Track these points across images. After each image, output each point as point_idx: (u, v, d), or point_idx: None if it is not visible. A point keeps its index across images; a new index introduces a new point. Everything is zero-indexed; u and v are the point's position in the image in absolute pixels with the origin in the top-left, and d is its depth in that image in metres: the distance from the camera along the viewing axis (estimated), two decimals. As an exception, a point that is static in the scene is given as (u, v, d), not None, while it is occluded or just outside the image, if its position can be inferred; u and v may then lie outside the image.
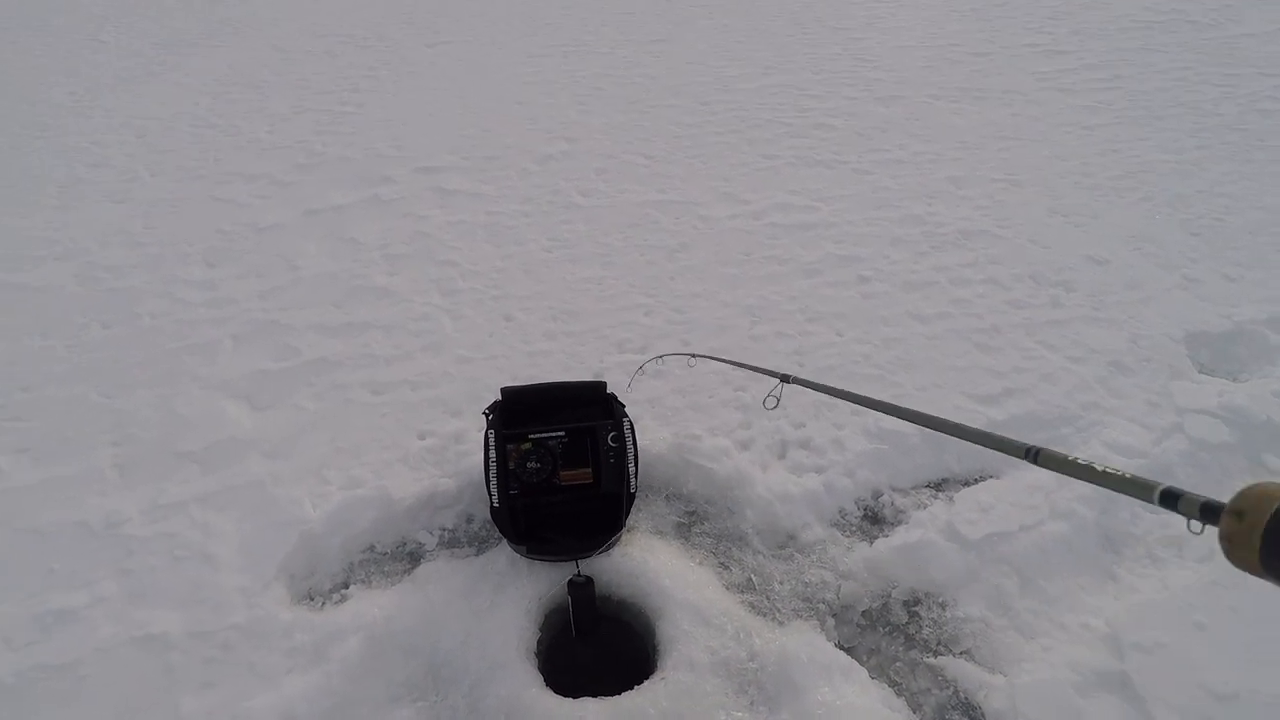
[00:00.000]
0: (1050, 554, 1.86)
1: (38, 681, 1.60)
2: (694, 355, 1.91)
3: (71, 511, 2.02)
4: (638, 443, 1.87)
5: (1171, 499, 0.46)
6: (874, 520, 2.01)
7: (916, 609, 1.78)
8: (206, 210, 3.53)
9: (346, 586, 1.86)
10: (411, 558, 1.93)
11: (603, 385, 1.88)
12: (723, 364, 2.50)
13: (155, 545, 1.92)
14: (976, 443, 0.75)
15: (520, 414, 1.85)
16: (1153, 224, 3.22)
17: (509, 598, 1.73)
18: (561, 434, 1.80)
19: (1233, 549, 0.34)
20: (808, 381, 1.25)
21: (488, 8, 6.05)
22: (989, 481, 2.10)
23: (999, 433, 2.08)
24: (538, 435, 1.79)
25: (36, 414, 2.37)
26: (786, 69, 4.86)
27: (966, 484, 2.10)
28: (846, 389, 1.00)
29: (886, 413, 0.94)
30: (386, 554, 1.94)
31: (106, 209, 3.53)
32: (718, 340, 2.60)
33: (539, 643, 1.69)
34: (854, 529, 1.98)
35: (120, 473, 2.15)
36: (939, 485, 2.11)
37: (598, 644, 1.72)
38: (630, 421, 1.85)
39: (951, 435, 0.81)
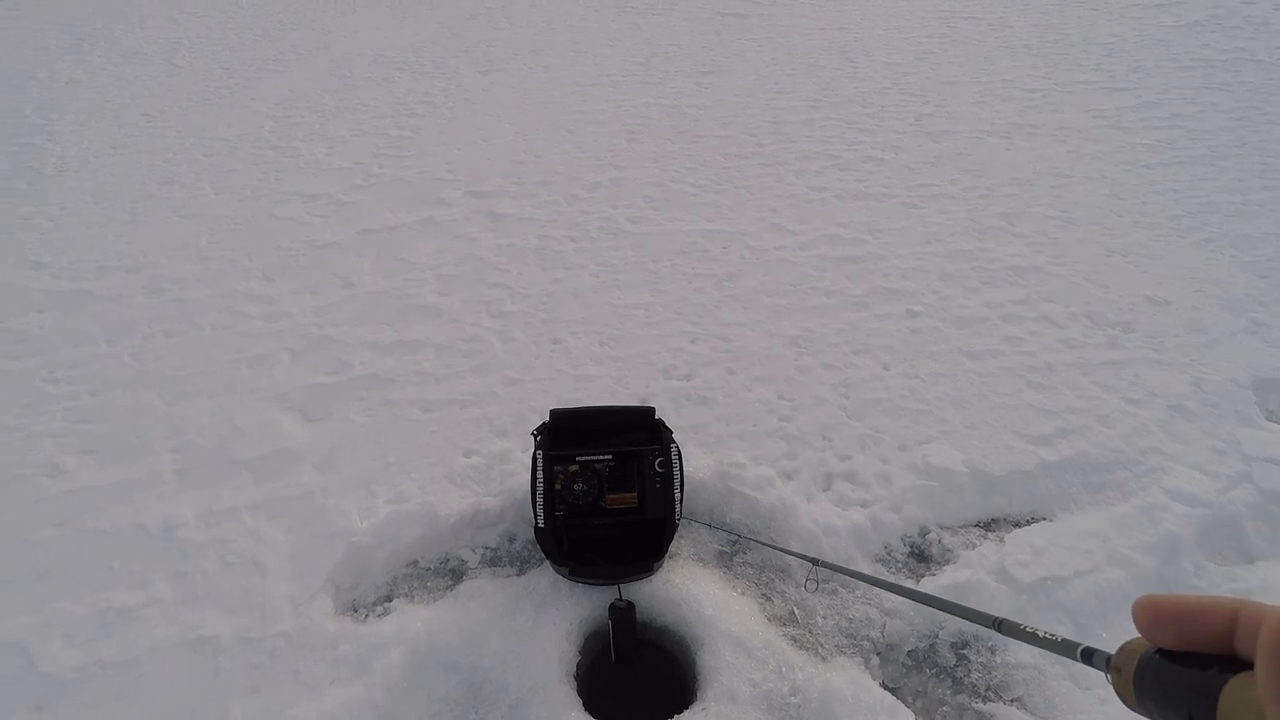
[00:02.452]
0: (1107, 602, 1.80)
1: (96, 677, 1.65)
2: (739, 536, 1.96)
3: (132, 513, 2.09)
4: (684, 469, 1.87)
5: (1089, 655, 0.55)
6: (921, 558, 1.97)
7: (965, 651, 1.73)
8: (267, 227, 3.66)
9: (390, 600, 1.88)
10: (454, 574, 1.94)
11: (651, 410, 1.89)
12: (769, 395, 2.50)
13: (209, 550, 1.97)
14: (951, 613, 0.89)
15: (568, 436, 1.86)
16: (1217, 265, 3.13)
17: (550, 619, 1.73)
18: (609, 457, 1.80)
19: (1122, 699, 0.41)
20: (836, 566, 1.40)
21: (540, 40, 6.22)
22: (1041, 524, 2.04)
23: (1051, 476, 2.03)
24: (585, 458, 1.80)
25: (103, 418, 2.46)
26: (835, 102, 4.88)
27: (1018, 525, 2.05)
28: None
29: (900, 594, 1.10)
30: (429, 570, 1.96)
31: (175, 224, 3.68)
32: (763, 369, 2.60)
33: (579, 666, 1.68)
34: (900, 566, 1.94)
35: (178, 478, 2.22)
36: (988, 525, 2.06)
37: (638, 670, 1.71)
38: (678, 447, 1.85)
39: (928, 604, 0.96)
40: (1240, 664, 0.33)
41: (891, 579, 1.89)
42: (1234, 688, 0.32)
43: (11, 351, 2.78)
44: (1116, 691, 0.41)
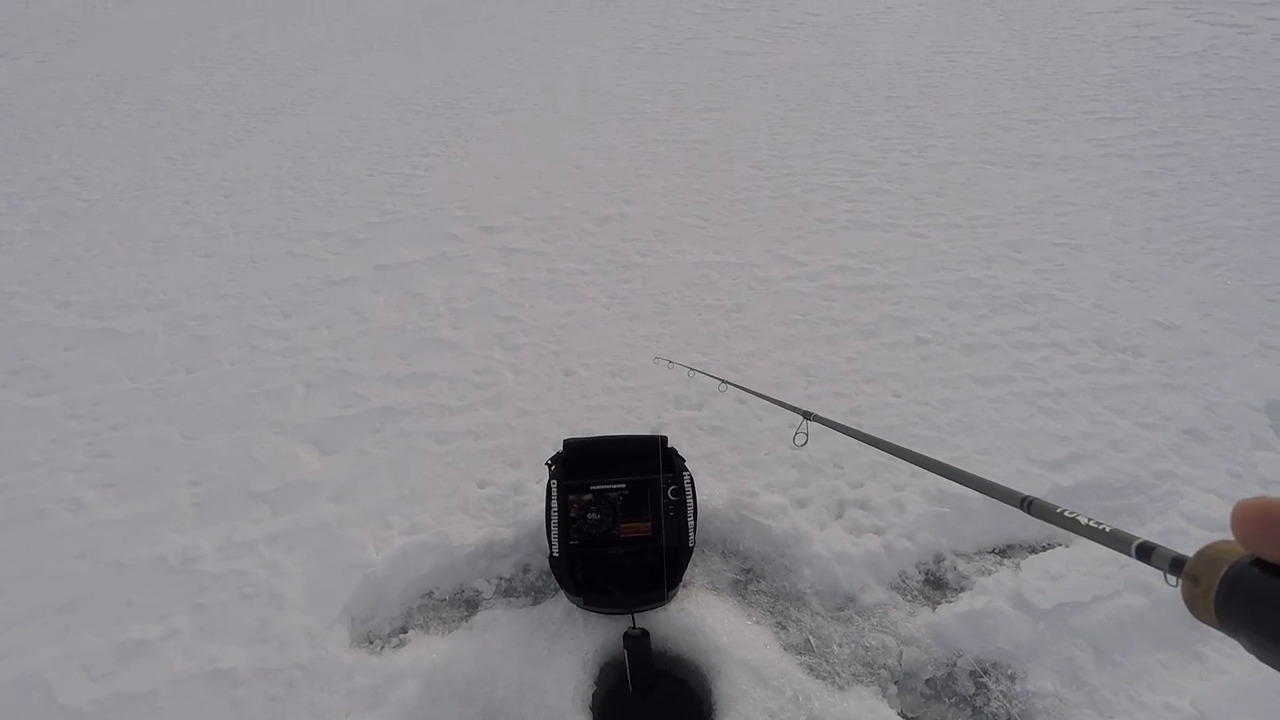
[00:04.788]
0: (1128, 628, 1.78)
1: (114, 710, 1.66)
2: (724, 382, 2.06)
3: (151, 546, 2.11)
4: (696, 497, 1.88)
5: (1146, 552, 0.48)
6: (936, 585, 1.96)
7: (984, 680, 1.71)
8: (284, 265, 3.74)
9: (405, 631, 1.89)
10: (469, 605, 1.95)
11: (663, 439, 1.91)
12: (779, 424, 2.51)
13: (227, 582, 1.99)
14: (978, 490, 0.78)
15: (582, 465, 1.88)
16: (1225, 290, 3.14)
17: (565, 648, 1.73)
18: (622, 486, 1.82)
19: (1194, 610, 0.36)
20: (828, 420, 1.30)
21: (550, 80, 6.38)
22: (1057, 549, 2.03)
23: (1065, 501, 2.03)
24: (599, 487, 1.82)
25: (124, 452, 2.50)
26: (840, 135, 4.96)
27: (1034, 551, 2.04)
28: (908, 450, 1.02)
29: (902, 457, 0.99)
30: (445, 600, 1.97)
31: (195, 262, 3.77)
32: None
33: (594, 695, 1.68)
34: (915, 593, 1.93)
35: (197, 511, 2.25)
36: (1004, 551, 2.05)
37: (654, 699, 1.70)
38: (690, 475, 1.86)
39: (958, 481, 0.85)
40: None
41: (907, 604, 1.88)
42: None
43: (36, 389, 2.84)
44: (1187, 603, 0.37)
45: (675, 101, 5.76)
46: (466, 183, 4.57)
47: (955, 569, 1.99)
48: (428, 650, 1.78)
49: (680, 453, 1.93)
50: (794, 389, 2.66)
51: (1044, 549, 2.04)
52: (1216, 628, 0.35)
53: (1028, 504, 0.67)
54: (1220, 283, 3.20)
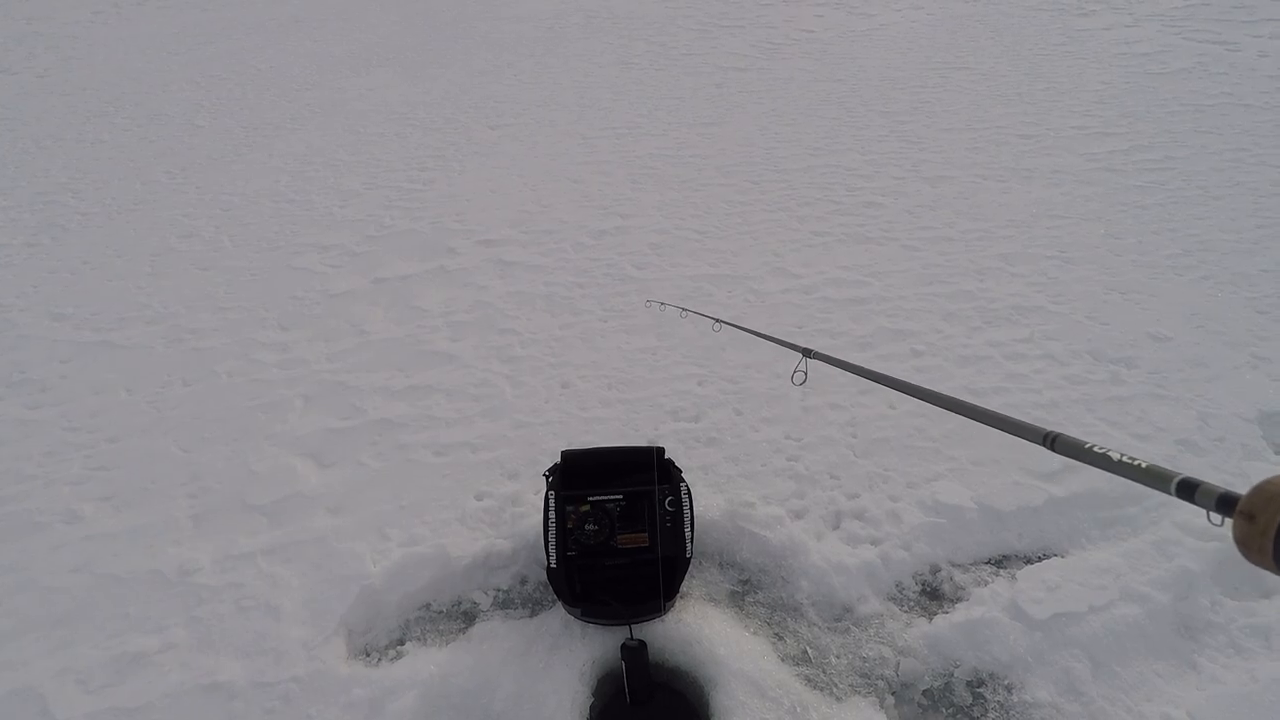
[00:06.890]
0: (1123, 638, 1.79)
1: (110, 723, 1.65)
2: (718, 321, 2.06)
3: (148, 559, 2.11)
4: (694, 508, 1.88)
5: (1189, 489, 0.46)
6: (933, 596, 1.96)
7: (981, 690, 1.72)
8: (283, 278, 3.76)
9: (403, 643, 1.88)
10: (466, 617, 1.95)
11: (660, 450, 1.91)
12: (776, 435, 2.52)
13: (224, 595, 1.99)
14: (994, 426, 0.75)
15: (579, 477, 1.88)
16: (1215, 302, 3.17)
17: (562, 660, 1.73)
18: (619, 497, 1.83)
19: (1247, 551, 0.35)
20: (828, 357, 1.29)
21: (547, 95, 6.44)
22: (1053, 560, 2.04)
23: (1060, 512, 2.02)
24: (596, 498, 1.83)
25: (121, 464, 2.50)
26: (834, 150, 5.01)
27: (1029, 561, 2.04)
28: (915, 385, 1.01)
29: (907, 392, 0.97)
30: (442, 612, 1.97)
31: (194, 276, 3.79)
32: (770, 410, 2.63)
33: (592, 707, 1.67)
34: (912, 604, 1.94)
35: (195, 523, 2.25)
36: (1000, 562, 2.06)
37: (652, 711, 1.70)
38: (687, 486, 1.87)
39: (970, 418, 0.82)
40: None
41: (904, 615, 1.89)
42: None
43: (34, 401, 2.85)
44: (1239, 543, 0.35)
45: (671, 116, 5.82)
46: (464, 196, 4.60)
47: (951, 580, 2.00)
48: (425, 662, 1.78)
49: (677, 464, 1.94)
50: (790, 401, 2.67)
51: (1039, 559, 2.04)
52: (1273, 571, 0.34)
53: (1051, 440, 0.64)
54: (1211, 295, 3.23)
